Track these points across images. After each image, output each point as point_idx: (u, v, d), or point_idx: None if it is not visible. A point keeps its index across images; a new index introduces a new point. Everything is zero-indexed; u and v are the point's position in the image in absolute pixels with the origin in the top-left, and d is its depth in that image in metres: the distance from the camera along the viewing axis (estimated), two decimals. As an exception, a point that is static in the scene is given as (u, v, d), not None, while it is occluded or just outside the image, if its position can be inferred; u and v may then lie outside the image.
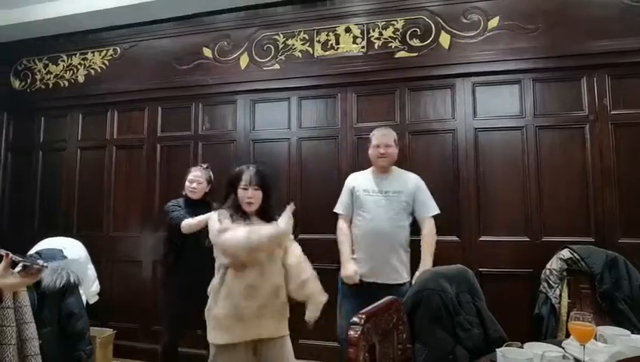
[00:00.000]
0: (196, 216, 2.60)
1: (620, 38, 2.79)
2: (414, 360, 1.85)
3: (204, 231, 2.25)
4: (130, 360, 3.43)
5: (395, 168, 2.76)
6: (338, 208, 2.79)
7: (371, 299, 2.31)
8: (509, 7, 3.01)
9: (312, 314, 1.94)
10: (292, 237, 2.05)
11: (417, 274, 2.51)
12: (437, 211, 2.68)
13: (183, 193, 2.83)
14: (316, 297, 1.96)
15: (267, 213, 2.02)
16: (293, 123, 3.41)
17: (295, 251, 2.06)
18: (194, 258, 2.60)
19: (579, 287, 2.55)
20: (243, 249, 1.84)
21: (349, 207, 2.74)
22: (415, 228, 2.69)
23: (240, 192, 1.99)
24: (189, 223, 2.57)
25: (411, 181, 2.70)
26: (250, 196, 1.97)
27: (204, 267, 2.20)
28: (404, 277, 2.61)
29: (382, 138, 2.68)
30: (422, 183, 2.72)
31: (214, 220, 1.95)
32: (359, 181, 2.74)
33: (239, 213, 1.99)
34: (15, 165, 4.14)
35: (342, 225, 2.74)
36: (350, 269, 2.60)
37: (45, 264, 1.76)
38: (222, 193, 2.15)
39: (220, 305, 1.92)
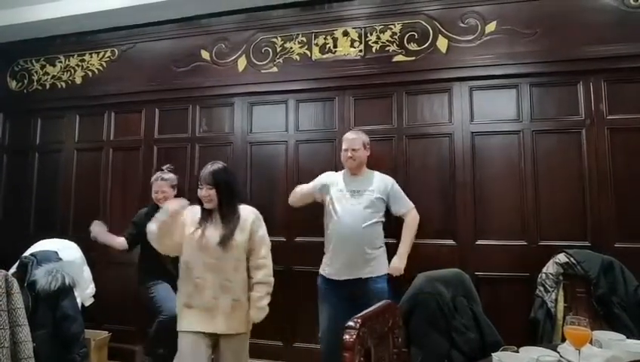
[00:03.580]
0: None
1: (617, 44, 2.80)
2: (410, 364, 1.85)
3: None
4: (124, 363, 3.40)
5: (368, 170, 2.81)
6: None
7: (348, 296, 2.40)
8: (507, 12, 3.02)
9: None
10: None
11: (393, 261, 2.65)
12: (412, 205, 2.77)
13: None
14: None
15: (226, 211, 2.05)
16: (291, 126, 3.41)
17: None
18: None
19: (575, 291, 2.55)
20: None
21: (315, 188, 2.80)
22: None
23: (198, 191, 2.08)
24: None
25: (383, 181, 2.77)
26: (203, 195, 2.04)
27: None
28: (380, 270, 2.63)
29: (349, 142, 2.76)
30: (394, 183, 2.78)
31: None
32: (332, 179, 2.81)
33: (205, 211, 2.08)
34: (11, 166, 4.11)
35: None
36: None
37: None
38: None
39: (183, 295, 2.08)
